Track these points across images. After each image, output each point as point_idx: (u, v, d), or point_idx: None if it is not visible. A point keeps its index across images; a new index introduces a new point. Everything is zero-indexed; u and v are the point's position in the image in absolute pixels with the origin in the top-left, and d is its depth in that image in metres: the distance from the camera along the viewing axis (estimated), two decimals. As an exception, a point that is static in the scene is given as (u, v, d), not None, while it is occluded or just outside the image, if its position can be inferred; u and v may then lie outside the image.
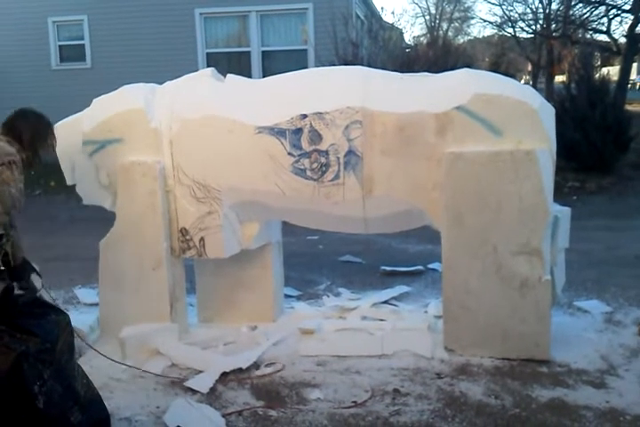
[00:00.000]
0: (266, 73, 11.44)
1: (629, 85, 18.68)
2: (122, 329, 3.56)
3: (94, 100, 3.81)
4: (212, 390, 3.13)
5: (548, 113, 3.37)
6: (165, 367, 3.38)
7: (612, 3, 17.20)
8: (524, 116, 3.27)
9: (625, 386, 3.09)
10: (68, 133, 3.76)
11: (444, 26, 30.41)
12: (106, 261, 3.69)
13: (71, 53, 13.34)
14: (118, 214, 3.67)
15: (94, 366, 3.35)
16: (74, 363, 2.47)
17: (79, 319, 3.81)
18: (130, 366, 3.32)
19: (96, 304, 3.96)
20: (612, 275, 4.99)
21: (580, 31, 20.45)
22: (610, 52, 19.12)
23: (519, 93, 3.35)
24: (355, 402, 2.98)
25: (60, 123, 3.88)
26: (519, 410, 2.89)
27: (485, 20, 36.81)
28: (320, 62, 10.52)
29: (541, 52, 24.51)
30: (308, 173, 3.44)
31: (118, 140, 3.62)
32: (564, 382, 3.14)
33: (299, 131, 3.42)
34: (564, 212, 3.50)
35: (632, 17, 16.00)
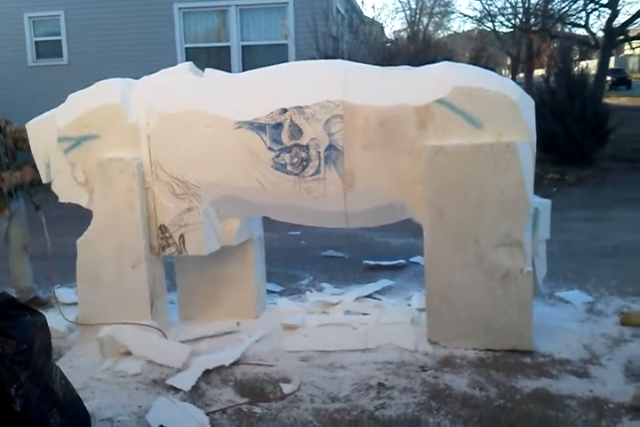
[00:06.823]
0: (246, 68, 11.35)
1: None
2: (101, 328, 3.51)
3: (69, 96, 3.74)
4: (195, 388, 3.09)
5: (527, 105, 3.37)
6: (146, 366, 3.34)
7: (590, -4, 17.38)
8: (505, 109, 3.27)
9: (608, 375, 3.11)
10: (43, 130, 3.70)
11: (425, 20, 30.54)
12: (84, 259, 3.63)
13: (48, 49, 13.12)
14: (95, 212, 3.61)
15: (74, 366, 3.31)
16: (52, 364, 2.42)
17: (58, 319, 3.76)
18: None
19: (76, 304, 3.90)
20: (593, 265, 5.03)
21: (559, 25, 20.65)
22: (588, 45, 19.32)
23: (499, 86, 3.34)
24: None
25: (34, 119, 3.81)
26: (504, 401, 2.89)
27: (465, 15, 36.96)
28: (301, 57, 10.45)
29: (521, 47, 24.70)
30: (289, 167, 3.41)
31: (94, 137, 3.56)
32: (548, 373, 3.15)
33: (279, 125, 3.38)
34: (545, 204, 3.51)
35: (609, 11, 16.19)
